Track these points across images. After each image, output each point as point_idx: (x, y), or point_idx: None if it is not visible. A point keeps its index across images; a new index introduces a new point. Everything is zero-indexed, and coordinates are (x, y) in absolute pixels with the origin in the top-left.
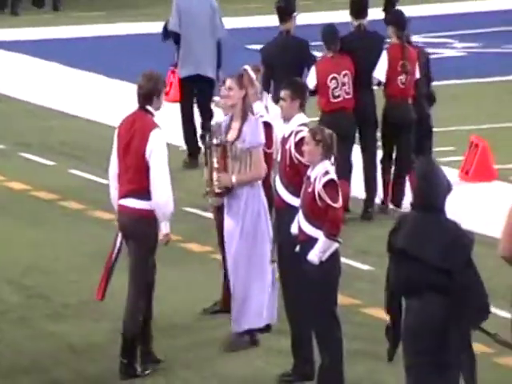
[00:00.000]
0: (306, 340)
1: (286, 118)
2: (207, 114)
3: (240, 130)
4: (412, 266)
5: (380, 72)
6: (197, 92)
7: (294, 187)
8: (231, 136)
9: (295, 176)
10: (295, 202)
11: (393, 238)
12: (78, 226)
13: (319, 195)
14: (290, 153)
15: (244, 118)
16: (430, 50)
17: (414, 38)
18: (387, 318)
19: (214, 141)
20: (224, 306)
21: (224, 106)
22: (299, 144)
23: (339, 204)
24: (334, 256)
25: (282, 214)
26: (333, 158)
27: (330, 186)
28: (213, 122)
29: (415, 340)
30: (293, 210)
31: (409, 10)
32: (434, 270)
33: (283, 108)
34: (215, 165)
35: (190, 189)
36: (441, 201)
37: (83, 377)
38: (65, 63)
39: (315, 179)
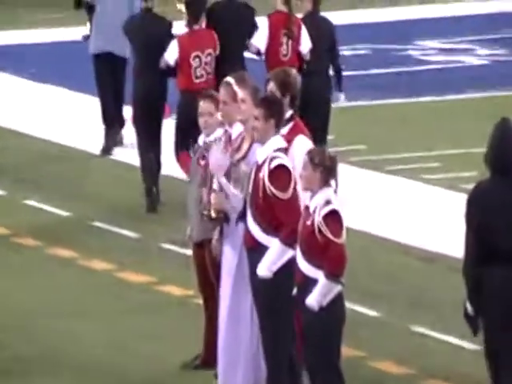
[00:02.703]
0: None
1: (261, 141)
2: (119, 97)
3: (248, 151)
4: (494, 236)
5: (259, 39)
6: (110, 71)
7: (268, 224)
8: (237, 156)
9: (268, 210)
10: (269, 241)
11: (472, 208)
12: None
13: (319, 228)
14: (263, 183)
15: (253, 138)
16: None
17: (429, 44)
18: (465, 291)
19: None
20: (204, 361)
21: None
22: (274, 173)
23: (342, 239)
24: (337, 300)
25: (254, 255)
26: (334, 184)
27: (331, 217)
28: (212, 137)
29: (503, 309)
30: (266, 251)
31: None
32: None
33: (257, 129)
34: (214, 186)
35: (168, 223)
36: None
37: None
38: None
39: (315, 210)
